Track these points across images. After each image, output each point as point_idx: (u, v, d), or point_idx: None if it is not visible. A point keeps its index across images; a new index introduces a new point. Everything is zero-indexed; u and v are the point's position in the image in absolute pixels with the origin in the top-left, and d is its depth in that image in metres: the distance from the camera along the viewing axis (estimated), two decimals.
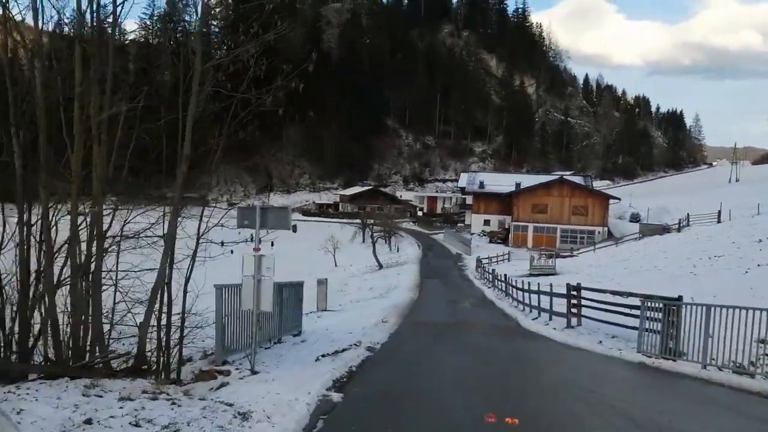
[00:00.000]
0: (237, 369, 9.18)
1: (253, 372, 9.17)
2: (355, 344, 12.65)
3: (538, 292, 21.71)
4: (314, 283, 27.47)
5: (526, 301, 24.11)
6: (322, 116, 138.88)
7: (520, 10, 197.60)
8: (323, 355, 10.98)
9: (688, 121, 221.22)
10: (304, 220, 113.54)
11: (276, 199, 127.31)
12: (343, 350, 11.74)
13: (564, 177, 75.74)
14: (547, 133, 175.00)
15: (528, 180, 79.42)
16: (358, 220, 77.08)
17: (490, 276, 37.46)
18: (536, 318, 20.92)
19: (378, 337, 14.44)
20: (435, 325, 19.07)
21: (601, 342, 14.38)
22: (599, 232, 66.34)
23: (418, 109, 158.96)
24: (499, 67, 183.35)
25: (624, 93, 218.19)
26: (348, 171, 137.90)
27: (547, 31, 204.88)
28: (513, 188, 74.72)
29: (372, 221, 65.72)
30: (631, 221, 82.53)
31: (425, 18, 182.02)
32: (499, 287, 33.03)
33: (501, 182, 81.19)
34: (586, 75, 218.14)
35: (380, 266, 54.77)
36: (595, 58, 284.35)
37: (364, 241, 73.06)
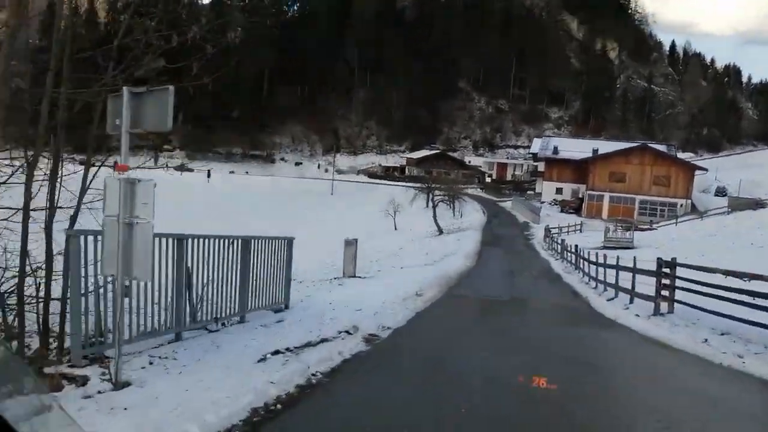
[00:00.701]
0: (103, 376, 5.70)
1: (116, 386, 5.62)
2: (349, 331, 8.81)
3: (618, 267, 17.52)
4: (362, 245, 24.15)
5: (600, 277, 20.04)
6: (392, 77, 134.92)
7: None
8: (278, 352, 7.06)
9: None
10: (369, 182, 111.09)
11: (342, 160, 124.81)
12: (322, 341, 8.00)
13: (646, 144, 69.79)
14: (628, 100, 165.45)
15: (606, 147, 73.68)
16: (422, 184, 73.79)
17: (559, 247, 33.34)
18: (612, 299, 16.92)
19: (394, 319, 10.68)
20: (482, 301, 15.41)
21: (706, 341, 10.25)
22: (682, 205, 60.70)
23: (491, 72, 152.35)
24: (580, 29, 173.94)
25: (713, 61, 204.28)
26: (416, 134, 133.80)
27: None
28: (589, 155, 69.30)
29: (433, 185, 61.56)
30: (716, 195, 76.51)
31: None
32: (568, 259, 28.96)
33: (576, 148, 75.78)
34: (672, 41, 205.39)
35: (440, 231, 51.22)
36: (681, 26, 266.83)
37: (427, 206, 70.42)
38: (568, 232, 47.55)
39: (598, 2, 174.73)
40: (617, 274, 17.33)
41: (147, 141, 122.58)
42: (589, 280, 21.92)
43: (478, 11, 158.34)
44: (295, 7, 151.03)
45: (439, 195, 65.21)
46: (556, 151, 77.76)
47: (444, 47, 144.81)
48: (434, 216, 52.95)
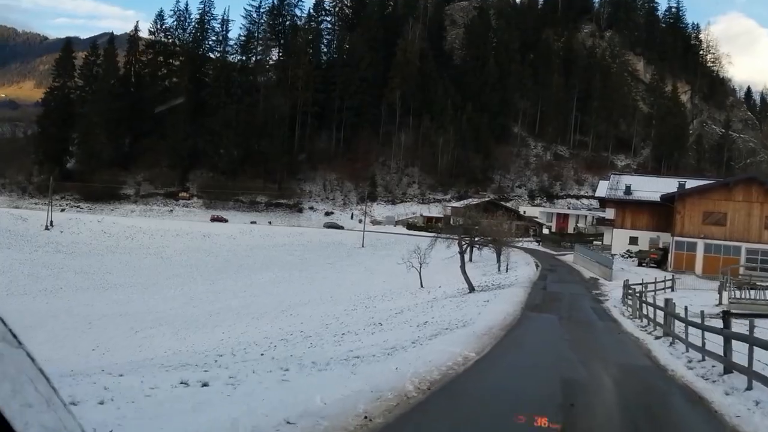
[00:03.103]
0: None
1: None
2: None
3: None
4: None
5: None
6: (439, 121, 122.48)
7: (673, 9, 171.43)
8: None
9: None
10: (408, 234, 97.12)
11: (379, 210, 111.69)
12: None
13: (753, 176, 53.99)
14: (703, 147, 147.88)
15: (691, 184, 58.09)
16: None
17: (652, 312, 18.66)
18: None
19: None
20: None
21: None
22: None
23: (550, 116, 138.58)
24: (647, 70, 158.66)
25: None
26: (463, 182, 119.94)
27: (705, 32, 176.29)
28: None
29: (464, 233, 47.05)
30: None
31: (562, 18, 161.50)
32: (682, 338, 14.40)
33: (653, 187, 60.48)
34: (748, 87, 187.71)
35: (472, 289, 36.86)
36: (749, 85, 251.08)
37: (471, 260, 57.04)
38: (655, 290, 32.35)
39: (665, 41, 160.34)
40: None
41: (163, 188, 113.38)
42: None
43: (535, 51, 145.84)
44: (333, 47, 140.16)
45: (476, 240, 51.62)
46: (628, 191, 62.63)
47: (496, 89, 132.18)
48: (462, 268, 38.43)
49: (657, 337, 17.40)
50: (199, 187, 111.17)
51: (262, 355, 19.78)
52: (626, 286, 30.95)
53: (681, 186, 55.17)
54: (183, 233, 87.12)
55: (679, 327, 15.90)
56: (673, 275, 37.01)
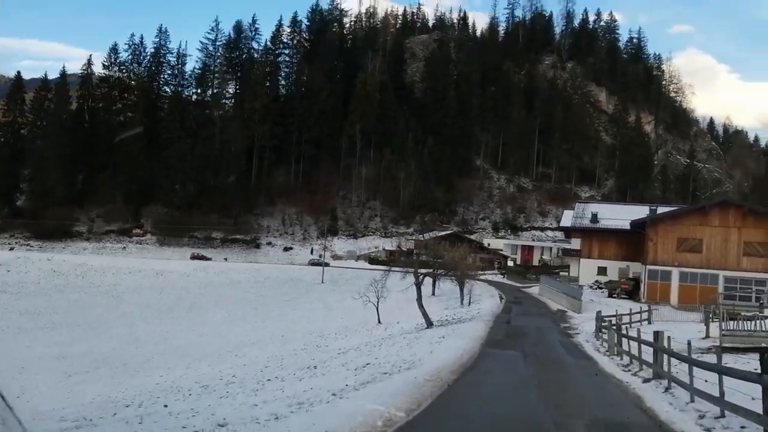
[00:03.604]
0: None
1: None
2: None
3: None
4: None
5: None
6: (400, 154, 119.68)
7: (634, 39, 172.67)
8: None
9: None
10: (369, 269, 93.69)
11: (340, 244, 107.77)
12: None
13: (728, 199, 51.52)
14: (668, 177, 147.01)
15: (662, 211, 55.49)
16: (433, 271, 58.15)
17: (645, 349, 15.15)
18: None
19: None
20: None
21: None
22: None
23: (512, 148, 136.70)
24: (609, 101, 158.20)
25: (756, 139, 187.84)
26: (426, 215, 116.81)
27: (667, 62, 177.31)
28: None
29: (416, 263, 43.92)
30: None
31: (523, 50, 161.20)
32: (682, 382, 10.96)
33: (621, 215, 57.87)
34: (711, 118, 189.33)
35: (429, 324, 33.25)
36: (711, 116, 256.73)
37: (434, 294, 54.86)
38: (630, 323, 29.00)
39: (627, 72, 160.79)
40: None
41: (116, 224, 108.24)
42: None
43: (496, 84, 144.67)
44: (292, 79, 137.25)
45: (438, 273, 48.95)
46: (595, 219, 59.90)
47: (458, 122, 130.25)
48: (419, 302, 34.73)
49: (646, 380, 13.81)
50: (153, 223, 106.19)
51: (165, 407, 16.94)
52: (599, 318, 27.54)
53: (652, 212, 52.43)
54: (135, 270, 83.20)
55: (676, 367, 12.41)
56: (649, 306, 33.74)
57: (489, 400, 10.92)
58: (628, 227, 53.29)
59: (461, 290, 50.42)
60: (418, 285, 35.29)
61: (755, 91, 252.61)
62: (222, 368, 31.28)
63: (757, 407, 7.89)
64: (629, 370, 15.90)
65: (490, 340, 22.57)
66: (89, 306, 65.21)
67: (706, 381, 10.81)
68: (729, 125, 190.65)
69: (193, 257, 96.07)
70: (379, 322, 42.37)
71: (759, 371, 7.58)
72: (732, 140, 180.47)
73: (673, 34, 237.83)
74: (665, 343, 13.33)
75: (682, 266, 45.68)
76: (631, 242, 54.89)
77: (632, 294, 48.84)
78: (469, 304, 46.84)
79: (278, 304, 66.96)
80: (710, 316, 24.20)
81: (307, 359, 25.31)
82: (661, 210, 55.10)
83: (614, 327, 21.62)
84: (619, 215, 58.47)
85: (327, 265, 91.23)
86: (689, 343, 12.74)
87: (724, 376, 9.32)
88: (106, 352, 42.52)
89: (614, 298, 48.27)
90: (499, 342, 22.56)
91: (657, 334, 13.76)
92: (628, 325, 26.76)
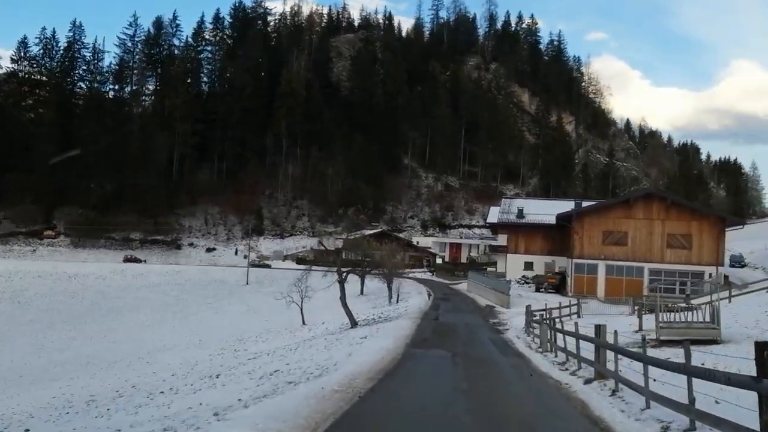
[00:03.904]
0: None
1: None
2: None
3: None
4: None
5: None
6: (328, 152, 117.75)
7: (555, 42, 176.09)
8: None
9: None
10: (296, 269, 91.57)
11: (266, 244, 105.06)
12: None
13: (651, 191, 51.89)
14: (589, 175, 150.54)
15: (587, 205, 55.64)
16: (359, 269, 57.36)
17: (584, 345, 13.88)
18: None
19: None
20: None
21: None
22: (711, 275, 42.03)
23: (439, 147, 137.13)
24: (532, 102, 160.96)
25: (670, 139, 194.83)
26: (355, 214, 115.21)
27: (586, 66, 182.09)
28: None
29: (338, 260, 42.50)
30: (732, 265, 59.33)
31: (448, 51, 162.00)
32: (634, 384, 9.68)
33: (546, 210, 57.70)
34: (627, 119, 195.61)
35: (354, 323, 31.79)
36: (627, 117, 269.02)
37: (362, 293, 54.15)
38: (561, 316, 28.22)
39: (549, 73, 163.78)
40: None
41: (26, 226, 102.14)
42: None
43: (423, 83, 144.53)
44: (215, 76, 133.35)
45: (367, 271, 50.33)
46: (521, 214, 59.61)
47: (386, 120, 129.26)
48: (343, 301, 33.15)
49: (587, 381, 12.41)
50: (66, 225, 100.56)
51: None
52: (529, 312, 26.55)
53: (577, 205, 52.37)
54: (46, 275, 78.06)
55: (622, 365, 11.12)
56: (578, 299, 33.12)
57: (406, 419, 9.22)
58: (554, 222, 53.18)
59: (389, 288, 49.52)
60: (342, 283, 33.67)
61: (665, 96, 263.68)
62: (129, 377, 29.33)
63: (749, 421, 6.34)
64: (566, 369, 14.61)
65: (417, 339, 21.12)
66: None
67: (654, 380, 9.56)
68: (644, 126, 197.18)
69: (126, 260, 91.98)
70: (304, 323, 41.02)
71: (755, 375, 5.96)
72: (647, 141, 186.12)
73: (590, 41, 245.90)
74: (608, 338, 12.08)
75: (609, 259, 45.66)
76: (557, 237, 54.83)
77: (559, 288, 48.57)
78: (397, 302, 45.79)
79: (199, 306, 64.48)
80: (642, 308, 23.42)
81: (216, 366, 23.29)
82: (585, 204, 55.22)
83: (546, 322, 20.49)
84: (544, 210, 58.32)
85: (269, 266, 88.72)
86: (643, 339, 11.51)
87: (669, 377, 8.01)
88: (4, 364, 39.30)
89: (541, 292, 47.86)
90: (425, 341, 21.13)
91: (599, 328, 12.46)
92: (558, 319, 25.94)
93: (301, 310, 41.36)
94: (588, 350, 13.34)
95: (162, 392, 16.87)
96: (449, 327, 27.57)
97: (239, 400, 10.45)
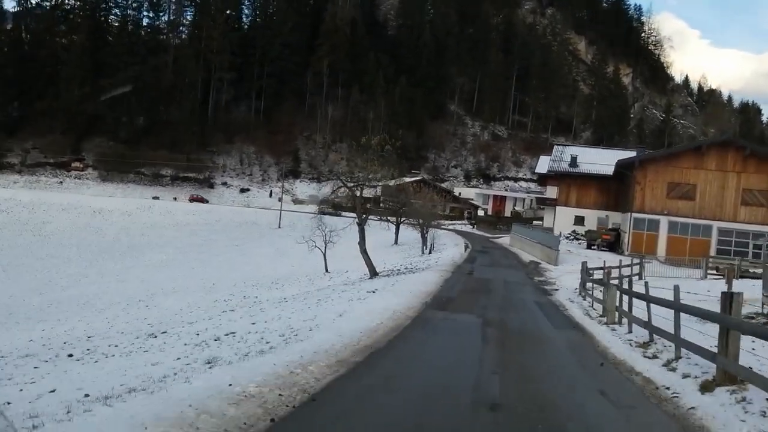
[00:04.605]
0: None
1: None
2: None
3: None
4: None
5: None
6: (370, 94, 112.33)
7: None
8: None
9: None
10: (331, 215, 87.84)
11: (302, 188, 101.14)
12: None
13: (729, 139, 45.72)
14: (644, 131, 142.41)
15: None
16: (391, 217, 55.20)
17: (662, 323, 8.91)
18: None
19: None
20: None
21: None
22: None
23: (488, 94, 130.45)
24: (588, 51, 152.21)
25: (731, 99, 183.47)
26: (396, 160, 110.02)
27: (648, 14, 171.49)
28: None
29: (359, 201, 39.18)
30: None
31: None
32: None
33: (602, 160, 52.06)
34: (686, 76, 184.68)
35: (374, 273, 27.72)
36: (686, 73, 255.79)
37: (397, 242, 52.33)
38: (620, 278, 23.11)
39: (608, 22, 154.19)
40: None
41: (54, 157, 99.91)
42: None
43: (474, 26, 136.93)
44: (255, 11, 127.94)
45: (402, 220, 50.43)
46: (574, 163, 53.99)
47: (433, 63, 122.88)
48: (362, 246, 28.95)
49: (704, 386, 7.48)
50: (95, 157, 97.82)
51: None
52: (585, 270, 21.61)
53: (640, 152, 46.54)
54: (70, 208, 75.82)
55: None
56: (641, 259, 28.02)
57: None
58: (610, 173, 47.59)
59: (423, 238, 46.26)
60: (361, 226, 29.38)
61: (724, 57, 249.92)
62: (127, 320, 26.12)
63: None
64: (654, 356, 9.52)
65: (440, 298, 16.45)
66: (9, 246, 58.10)
67: None
68: (704, 84, 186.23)
69: (192, 199, 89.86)
70: (327, 270, 37.52)
71: None
72: (707, 98, 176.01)
73: None
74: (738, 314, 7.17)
75: (672, 215, 40.04)
76: (612, 189, 49.42)
77: (614, 246, 43.36)
78: (430, 253, 41.77)
79: (226, 248, 61.66)
80: (732, 272, 18.28)
81: (194, 316, 19.24)
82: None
83: (615, 284, 15.60)
84: (600, 159, 52.75)
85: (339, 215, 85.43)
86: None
87: None
88: (1, 300, 36.47)
89: (594, 249, 42.77)
90: (450, 301, 16.38)
91: (729, 297, 7.55)
92: (620, 281, 20.94)
93: (324, 256, 38.13)
94: (688, 329, 8.44)
95: (88, 350, 12.76)
96: (484, 284, 22.86)
97: (141, 383, 6.00)
